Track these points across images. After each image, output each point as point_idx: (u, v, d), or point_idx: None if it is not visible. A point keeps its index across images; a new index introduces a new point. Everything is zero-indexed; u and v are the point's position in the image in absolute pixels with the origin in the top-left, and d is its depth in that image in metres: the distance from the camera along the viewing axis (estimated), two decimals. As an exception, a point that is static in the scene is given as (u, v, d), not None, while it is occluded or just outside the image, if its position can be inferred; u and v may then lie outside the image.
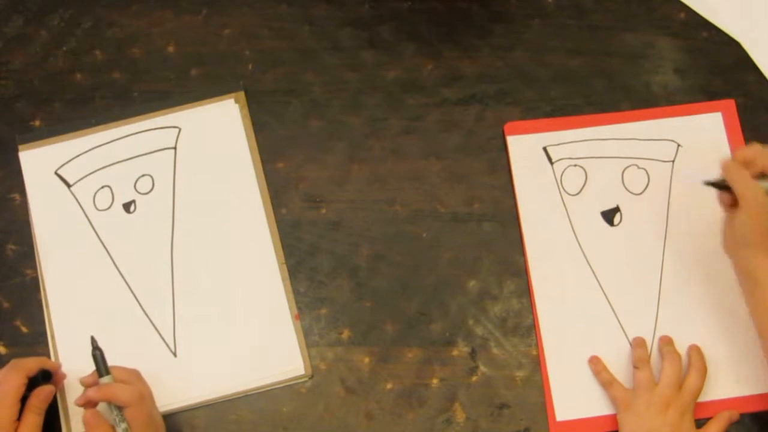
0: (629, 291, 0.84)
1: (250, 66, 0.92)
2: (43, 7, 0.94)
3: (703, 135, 0.89)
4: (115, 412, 0.74)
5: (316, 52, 0.92)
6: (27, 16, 0.94)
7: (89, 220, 0.87)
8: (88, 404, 0.75)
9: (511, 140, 0.88)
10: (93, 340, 0.77)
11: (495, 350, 0.83)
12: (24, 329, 0.85)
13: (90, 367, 0.76)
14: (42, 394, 0.76)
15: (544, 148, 0.88)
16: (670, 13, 0.93)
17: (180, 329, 0.84)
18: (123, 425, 0.73)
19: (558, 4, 0.93)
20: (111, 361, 0.77)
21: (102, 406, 0.76)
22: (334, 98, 0.91)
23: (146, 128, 0.89)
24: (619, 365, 0.82)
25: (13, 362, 0.76)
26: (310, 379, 0.83)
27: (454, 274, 0.85)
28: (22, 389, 0.74)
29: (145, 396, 0.76)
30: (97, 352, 0.76)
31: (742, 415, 0.81)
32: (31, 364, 0.76)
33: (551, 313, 0.84)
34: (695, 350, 0.81)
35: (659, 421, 0.76)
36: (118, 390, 0.75)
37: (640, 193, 0.87)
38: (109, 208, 0.87)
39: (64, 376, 0.81)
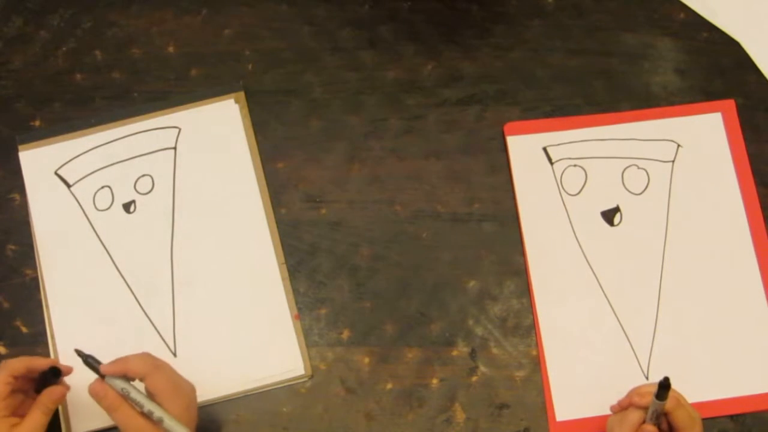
0: (629, 291, 0.84)
1: (250, 66, 0.92)
2: (43, 7, 0.94)
3: (703, 135, 0.89)
4: (138, 393, 0.72)
5: (316, 52, 0.92)
6: (27, 16, 0.94)
7: (89, 220, 0.87)
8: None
9: (511, 140, 0.88)
10: (79, 353, 0.74)
11: (495, 350, 0.83)
12: (24, 329, 0.85)
13: (87, 367, 0.76)
14: (54, 394, 0.74)
15: (544, 148, 0.88)
16: (670, 13, 0.93)
17: (180, 329, 0.84)
18: (151, 403, 0.71)
19: (558, 4, 0.93)
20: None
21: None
22: (334, 98, 0.91)
23: (146, 128, 0.89)
24: (619, 366, 0.82)
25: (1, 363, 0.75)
26: (310, 379, 0.83)
27: (454, 274, 0.85)
28: (5, 388, 0.73)
29: (161, 365, 0.75)
30: (89, 359, 0.74)
31: (742, 415, 0.81)
32: (17, 364, 0.74)
33: (551, 313, 0.84)
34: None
35: None
36: (131, 362, 0.73)
37: (640, 193, 0.87)
38: (109, 208, 0.87)
39: (70, 370, 0.78)
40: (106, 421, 0.78)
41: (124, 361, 0.73)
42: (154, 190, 0.88)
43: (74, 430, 0.81)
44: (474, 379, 0.83)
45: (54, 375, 0.76)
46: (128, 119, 0.90)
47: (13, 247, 0.87)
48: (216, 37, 0.93)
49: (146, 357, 0.75)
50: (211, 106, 0.90)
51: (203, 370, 0.82)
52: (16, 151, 0.89)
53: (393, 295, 0.85)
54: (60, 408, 0.81)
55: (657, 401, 0.71)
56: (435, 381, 0.83)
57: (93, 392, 0.72)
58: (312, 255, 0.86)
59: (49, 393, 0.75)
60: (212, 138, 0.89)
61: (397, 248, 0.86)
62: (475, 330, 0.84)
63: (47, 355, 0.83)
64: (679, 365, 0.82)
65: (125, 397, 0.72)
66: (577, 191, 0.87)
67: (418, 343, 0.84)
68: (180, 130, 0.89)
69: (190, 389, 0.76)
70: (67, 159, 0.88)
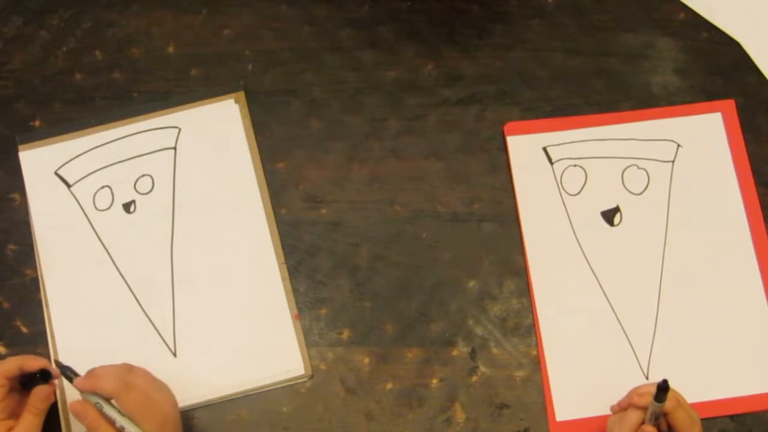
0: (629, 291, 0.84)
1: (250, 66, 0.92)
2: (43, 7, 0.94)
3: (703, 135, 0.89)
4: (110, 409, 0.73)
5: (316, 52, 0.92)
6: (27, 16, 0.94)
7: (89, 220, 0.87)
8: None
9: (511, 140, 0.88)
10: (58, 364, 0.75)
11: (495, 350, 0.83)
12: (24, 329, 0.85)
13: (87, 367, 0.76)
14: (42, 394, 0.74)
15: (544, 148, 0.88)
16: (670, 13, 0.93)
17: (180, 329, 0.84)
18: (123, 419, 0.72)
19: (558, 4, 0.93)
20: (111, 361, 0.77)
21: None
22: (334, 98, 0.91)
23: (146, 128, 0.89)
24: (619, 366, 0.82)
25: None
26: (310, 379, 0.83)
27: (454, 274, 0.85)
28: (0, 390, 0.73)
29: (133, 382, 0.74)
30: (67, 371, 0.75)
31: (742, 415, 0.81)
32: (9, 365, 0.74)
33: (551, 313, 0.84)
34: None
35: None
36: (102, 379, 0.73)
37: (640, 193, 0.87)
38: (109, 208, 0.87)
39: (57, 374, 0.78)
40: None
41: (95, 379, 0.73)
42: (154, 190, 0.88)
43: (74, 430, 0.81)
44: (474, 379, 0.83)
45: (42, 378, 0.76)
46: (128, 119, 0.90)
47: (13, 247, 0.87)
48: (216, 37, 0.93)
49: (119, 373, 0.74)
50: (211, 106, 0.90)
51: (203, 370, 0.82)
52: (16, 151, 0.89)
53: (393, 295, 0.85)
54: (60, 408, 0.81)
55: (656, 403, 0.72)
56: (435, 381, 0.83)
57: (74, 411, 0.73)
58: (312, 255, 0.86)
59: (37, 393, 0.74)
60: (212, 138, 0.89)
61: (397, 248, 0.86)
62: (475, 330, 0.84)
63: (47, 355, 0.83)
64: (679, 365, 0.82)
65: (99, 411, 0.73)
66: (577, 191, 0.87)
67: (418, 343, 0.84)
68: (180, 130, 0.89)
69: (168, 404, 0.76)
70: (67, 159, 0.88)
